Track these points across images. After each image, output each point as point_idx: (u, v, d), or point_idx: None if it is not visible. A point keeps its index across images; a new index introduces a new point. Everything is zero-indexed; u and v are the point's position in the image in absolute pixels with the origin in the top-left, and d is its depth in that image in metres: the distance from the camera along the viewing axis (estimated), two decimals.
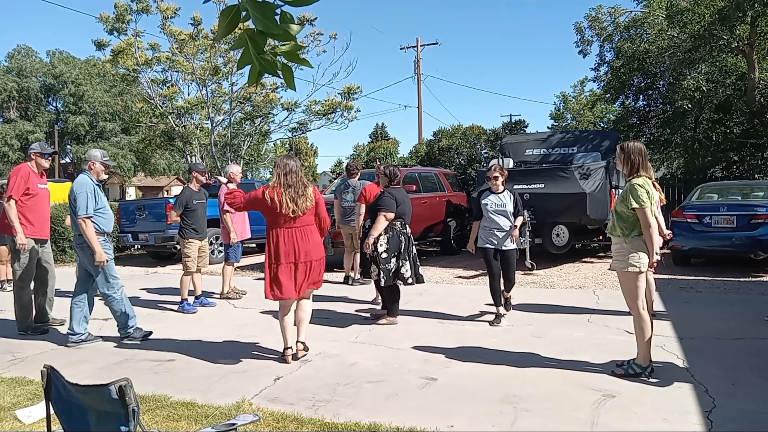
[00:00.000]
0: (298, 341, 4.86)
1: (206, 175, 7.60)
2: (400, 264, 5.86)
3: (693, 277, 8.58)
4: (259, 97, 19.12)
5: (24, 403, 3.88)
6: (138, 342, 5.51)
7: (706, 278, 8.51)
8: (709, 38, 13.80)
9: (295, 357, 4.79)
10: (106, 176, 6.05)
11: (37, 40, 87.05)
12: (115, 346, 5.39)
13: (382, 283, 5.86)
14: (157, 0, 18.06)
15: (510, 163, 10.50)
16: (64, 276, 9.66)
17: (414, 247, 6.09)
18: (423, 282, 6.22)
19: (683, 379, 4.14)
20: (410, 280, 5.93)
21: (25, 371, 4.60)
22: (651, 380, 4.11)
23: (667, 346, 4.95)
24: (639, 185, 4.13)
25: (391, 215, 5.77)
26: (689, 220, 9.16)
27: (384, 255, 5.80)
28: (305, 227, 4.75)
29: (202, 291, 7.36)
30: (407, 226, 6.07)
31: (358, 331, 5.70)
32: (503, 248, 6.00)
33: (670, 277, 8.54)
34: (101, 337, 5.64)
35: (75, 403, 2.19)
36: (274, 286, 4.70)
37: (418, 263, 6.11)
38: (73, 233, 5.68)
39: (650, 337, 4.17)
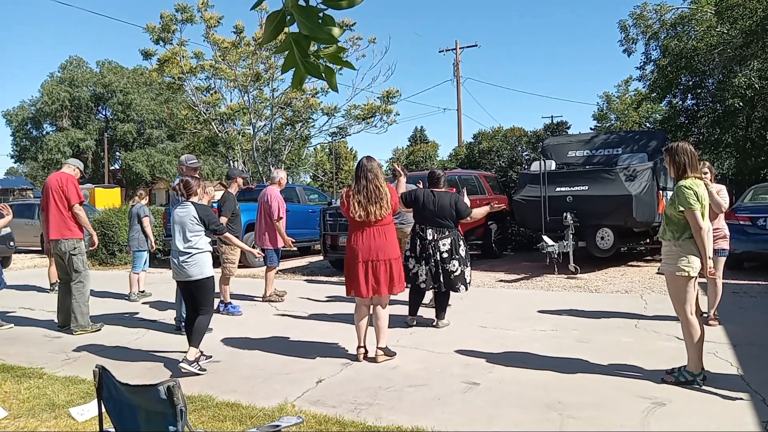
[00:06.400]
0: (378, 347, 4.85)
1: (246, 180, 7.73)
2: (418, 268, 5.83)
3: (746, 282, 8.26)
4: (300, 103, 19.40)
5: (77, 401, 4.01)
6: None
7: (760, 282, 8.18)
8: (761, 34, 13.27)
9: (373, 360, 4.81)
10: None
11: (88, 51, 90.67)
12: (160, 349, 5.53)
13: None
14: (201, 10, 18.55)
15: (552, 165, 10.33)
16: (117, 279, 9.99)
17: (440, 254, 5.80)
18: (458, 290, 5.93)
19: (738, 388, 3.97)
20: (422, 285, 5.89)
21: (78, 370, 4.75)
22: (704, 388, 3.96)
23: (720, 353, 4.76)
24: (686, 187, 4.01)
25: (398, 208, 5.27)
26: (742, 223, 8.84)
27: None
28: (383, 226, 4.75)
29: (242, 295, 7.49)
30: (428, 230, 5.88)
31: (399, 335, 5.69)
32: None
33: (722, 281, 8.20)
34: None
35: (125, 403, 2.24)
36: (351, 285, 4.79)
37: (455, 272, 5.81)
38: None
39: (700, 343, 4.03)
